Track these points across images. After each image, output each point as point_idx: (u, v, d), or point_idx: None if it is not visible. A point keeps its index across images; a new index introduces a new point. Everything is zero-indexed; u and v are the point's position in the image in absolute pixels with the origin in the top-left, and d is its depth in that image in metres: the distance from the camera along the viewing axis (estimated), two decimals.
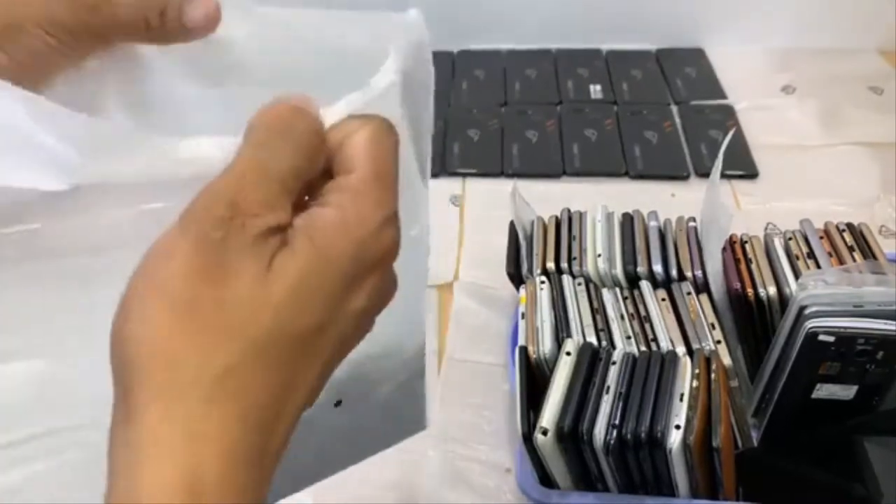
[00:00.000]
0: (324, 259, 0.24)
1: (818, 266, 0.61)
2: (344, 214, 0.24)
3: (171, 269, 0.22)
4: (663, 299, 0.61)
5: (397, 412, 0.42)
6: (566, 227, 0.69)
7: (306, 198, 0.26)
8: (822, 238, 0.63)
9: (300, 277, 0.23)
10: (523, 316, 0.61)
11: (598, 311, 0.61)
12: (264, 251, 0.23)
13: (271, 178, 0.24)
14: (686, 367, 0.53)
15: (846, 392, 0.56)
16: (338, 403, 0.37)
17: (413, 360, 0.40)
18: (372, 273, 0.25)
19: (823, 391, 0.56)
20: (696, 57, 1.20)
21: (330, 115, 0.27)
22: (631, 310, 0.61)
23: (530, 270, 0.66)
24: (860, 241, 0.63)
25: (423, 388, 0.43)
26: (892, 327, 0.52)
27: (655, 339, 0.58)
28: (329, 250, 0.24)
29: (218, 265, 0.22)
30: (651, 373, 0.53)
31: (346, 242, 0.24)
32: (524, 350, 0.58)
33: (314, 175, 0.26)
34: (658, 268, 0.63)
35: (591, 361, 0.55)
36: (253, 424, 0.22)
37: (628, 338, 0.59)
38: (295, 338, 0.23)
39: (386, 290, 0.27)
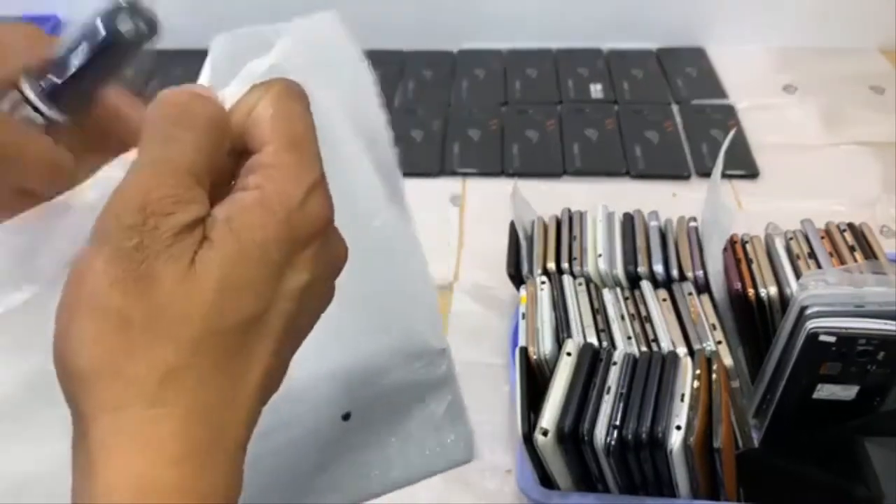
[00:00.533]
0: (248, 246, 0.23)
1: (819, 266, 0.61)
2: (263, 195, 0.24)
3: (95, 285, 0.22)
4: (664, 299, 0.61)
5: (431, 436, 0.40)
6: (567, 227, 0.68)
7: (233, 183, 0.25)
8: (823, 238, 0.63)
9: (225, 270, 0.22)
10: (524, 316, 0.61)
11: (598, 311, 0.61)
12: (183, 250, 0.22)
13: (178, 171, 0.23)
14: (687, 368, 0.53)
15: (847, 392, 0.56)
16: (346, 417, 0.36)
17: (429, 367, 0.37)
18: (307, 246, 0.24)
19: (824, 391, 0.56)
20: (697, 56, 1.20)
21: (229, 95, 0.26)
22: (632, 310, 0.61)
23: (530, 270, 0.66)
24: (861, 241, 0.63)
25: (461, 411, 0.40)
26: (893, 327, 0.52)
27: (656, 340, 0.58)
28: (252, 235, 0.23)
29: (139, 274, 0.22)
30: (652, 373, 0.53)
31: (269, 224, 0.23)
32: (524, 350, 0.58)
33: (223, 158, 0.25)
34: (659, 268, 0.63)
35: (592, 362, 0.55)
36: (202, 421, 0.22)
37: (629, 338, 0.59)
38: (231, 330, 0.23)
39: (331, 257, 0.26)
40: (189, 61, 1.22)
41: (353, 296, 0.30)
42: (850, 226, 0.64)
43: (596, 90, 1.14)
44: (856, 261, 0.61)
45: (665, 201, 0.93)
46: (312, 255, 0.24)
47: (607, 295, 0.62)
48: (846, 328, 0.53)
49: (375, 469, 0.38)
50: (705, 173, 0.96)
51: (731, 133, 0.68)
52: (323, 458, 0.36)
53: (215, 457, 0.22)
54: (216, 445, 0.22)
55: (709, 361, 0.54)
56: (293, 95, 0.25)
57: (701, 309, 0.60)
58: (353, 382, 0.35)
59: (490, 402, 0.72)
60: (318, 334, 0.27)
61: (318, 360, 0.32)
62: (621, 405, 0.52)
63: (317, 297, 0.26)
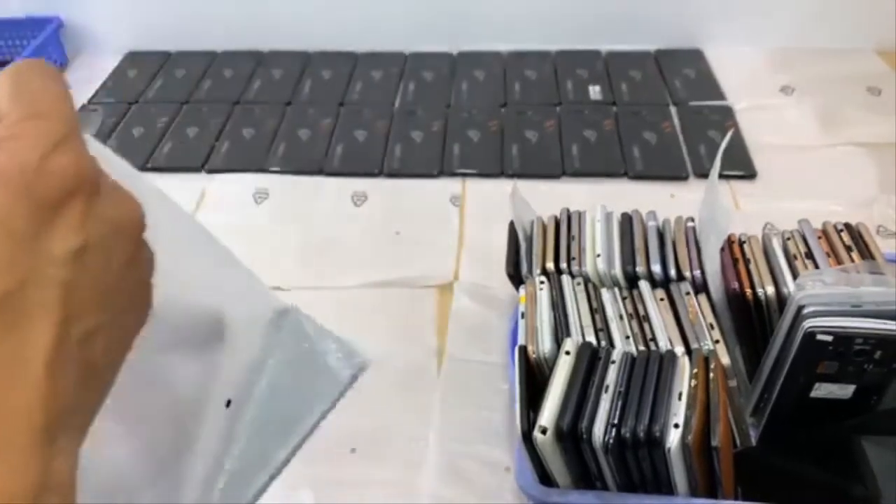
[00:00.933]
0: None
1: (816, 266, 0.61)
2: None
3: None
4: (662, 299, 0.62)
5: (313, 368, 0.40)
6: (565, 227, 0.69)
7: None
8: (820, 238, 0.64)
9: None
10: (523, 316, 0.61)
11: (597, 310, 0.62)
12: None
13: None
14: (684, 367, 0.53)
15: (844, 391, 0.56)
16: (228, 403, 0.37)
17: (279, 326, 0.38)
18: (63, 207, 0.23)
19: (822, 390, 0.56)
20: (695, 58, 1.21)
21: None
22: (630, 309, 0.61)
23: (530, 270, 0.66)
24: (858, 242, 0.63)
25: (326, 336, 0.41)
26: (890, 327, 0.52)
27: (654, 339, 0.58)
28: None
29: None
30: (650, 372, 0.54)
31: (4, 195, 0.22)
32: (524, 349, 0.58)
33: None
34: (657, 268, 0.64)
35: (591, 361, 0.55)
36: None
37: (627, 337, 0.59)
38: None
39: (112, 214, 0.25)
40: (191, 62, 1.22)
41: (197, 290, 0.31)
42: (847, 226, 0.64)
43: (595, 91, 1.14)
44: (853, 261, 0.61)
45: (663, 202, 0.93)
46: (77, 215, 0.23)
47: (606, 294, 0.63)
48: (843, 327, 0.53)
49: (282, 426, 0.39)
50: (703, 174, 0.97)
51: (729, 134, 0.69)
52: (227, 447, 0.37)
53: (4, 448, 0.21)
54: (2, 435, 0.21)
55: (706, 360, 0.54)
56: (33, 67, 0.25)
57: (699, 308, 0.60)
58: (220, 375, 0.36)
59: (489, 400, 0.72)
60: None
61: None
62: (620, 403, 0.52)
63: (110, 257, 0.25)
